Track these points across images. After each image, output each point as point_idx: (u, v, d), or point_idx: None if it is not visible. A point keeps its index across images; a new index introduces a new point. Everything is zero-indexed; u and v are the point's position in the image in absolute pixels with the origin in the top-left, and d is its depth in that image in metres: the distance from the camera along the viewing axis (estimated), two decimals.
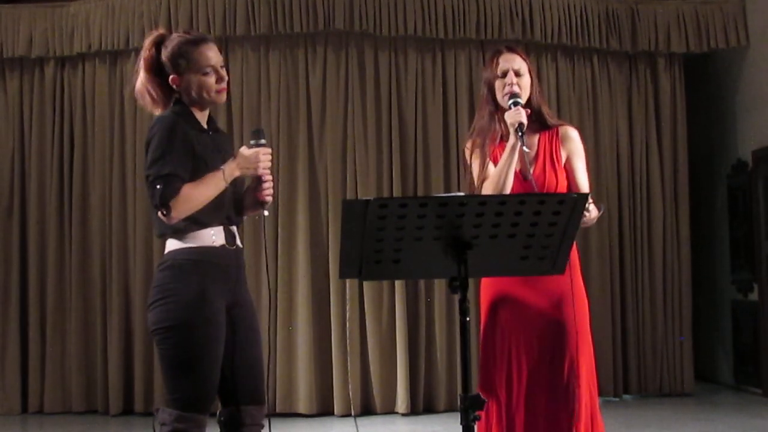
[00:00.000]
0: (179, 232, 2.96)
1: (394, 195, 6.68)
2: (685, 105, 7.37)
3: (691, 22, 7.22)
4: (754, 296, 7.16)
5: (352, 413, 6.37)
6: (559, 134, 3.42)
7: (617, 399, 7.03)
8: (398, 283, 6.64)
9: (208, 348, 2.92)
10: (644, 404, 6.92)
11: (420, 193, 6.79)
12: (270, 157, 3.05)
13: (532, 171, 3.33)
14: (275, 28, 6.72)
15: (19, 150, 7.08)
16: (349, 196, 6.69)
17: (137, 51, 6.79)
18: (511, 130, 3.24)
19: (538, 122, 3.44)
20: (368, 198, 2.44)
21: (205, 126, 3.10)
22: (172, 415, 2.91)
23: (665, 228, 7.24)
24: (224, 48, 6.86)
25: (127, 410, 6.79)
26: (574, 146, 3.42)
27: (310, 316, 6.66)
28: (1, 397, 6.90)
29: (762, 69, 7.13)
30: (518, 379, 3.27)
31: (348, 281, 6.54)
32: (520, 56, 3.41)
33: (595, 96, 7.23)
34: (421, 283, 6.75)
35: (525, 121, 3.24)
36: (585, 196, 2.59)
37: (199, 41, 3.05)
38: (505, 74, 3.38)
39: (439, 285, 6.69)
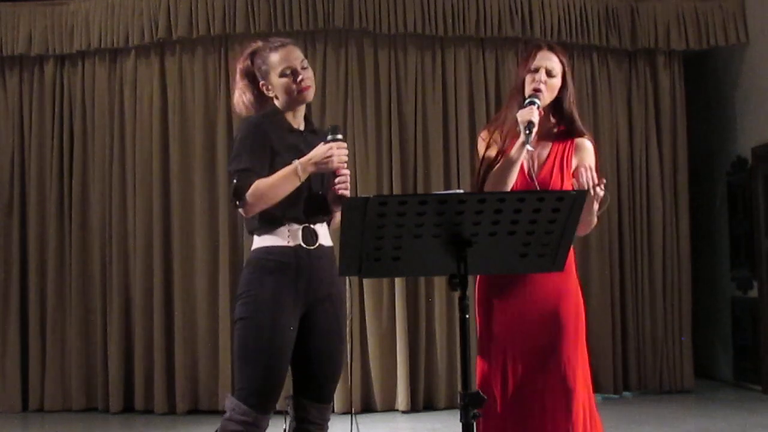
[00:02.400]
0: (257, 230, 3.07)
1: (394, 192, 6.68)
2: (684, 102, 7.38)
3: (691, 20, 7.23)
4: (753, 293, 7.17)
5: (352, 411, 6.37)
6: (575, 143, 3.40)
7: (617, 396, 7.04)
8: (398, 281, 6.64)
9: (271, 345, 3.00)
10: (644, 401, 6.93)
11: (420, 190, 6.80)
12: (346, 151, 3.09)
13: (538, 172, 3.32)
14: (275, 26, 6.72)
15: (19, 148, 7.08)
16: (349, 193, 6.68)
17: (137, 49, 6.91)
18: (521, 128, 3.23)
19: (561, 127, 3.41)
20: (368, 195, 2.45)
21: (300, 127, 3.18)
22: (233, 404, 3.02)
23: (665, 225, 7.24)
24: (224, 46, 6.87)
25: (128, 408, 6.79)
26: (585, 156, 3.38)
27: None
28: (2, 394, 6.91)
29: (761, 66, 7.13)
30: (514, 379, 3.27)
31: (348, 279, 6.52)
32: (558, 57, 3.35)
33: (595, 93, 7.23)
34: (421, 280, 6.76)
35: (535, 120, 3.19)
36: (584, 193, 2.59)
37: (279, 46, 3.18)
38: (537, 70, 3.33)
39: (439, 282, 6.69)
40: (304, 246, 3.06)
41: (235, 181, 2.98)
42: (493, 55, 7.02)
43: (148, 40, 6.83)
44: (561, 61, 3.36)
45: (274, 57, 3.14)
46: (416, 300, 6.79)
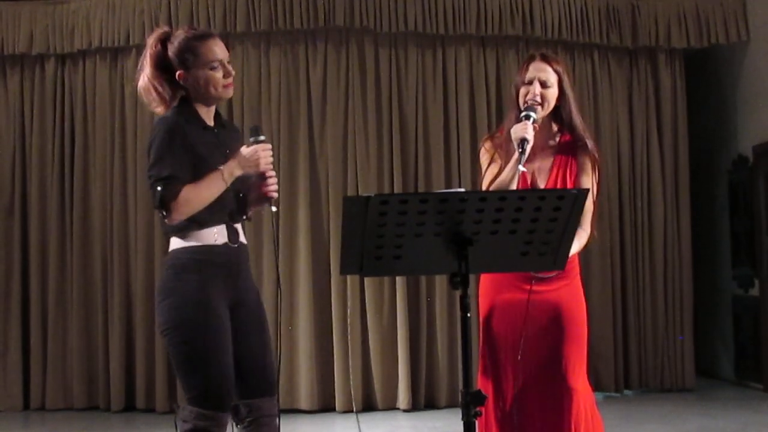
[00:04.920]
0: (181, 231, 2.98)
1: (395, 191, 6.68)
2: (685, 100, 7.37)
3: (692, 18, 7.22)
4: (754, 291, 7.16)
5: (354, 409, 6.37)
6: (577, 152, 3.37)
7: (618, 394, 7.04)
8: (399, 279, 6.64)
9: (213, 343, 2.93)
10: (645, 399, 6.93)
11: (421, 189, 6.80)
12: (271, 152, 3.04)
13: (544, 185, 3.30)
14: (275, 24, 6.72)
15: (20, 147, 7.08)
16: (350, 192, 6.69)
17: (138, 48, 6.88)
18: (515, 145, 3.19)
19: (565, 137, 3.38)
20: (369, 194, 2.44)
21: (211, 123, 3.10)
22: (192, 413, 2.95)
23: (666, 223, 7.24)
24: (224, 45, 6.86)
25: (129, 407, 6.80)
26: (587, 164, 3.36)
27: (311, 312, 6.67)
28: (3, 393, 6.91)
29: (762, 64, 7.13)
30: (516, 378, 3.28)
31: (349, 277, 6.54)
32: (553, 66, 3.31)
33: (596, 92, 7.23)
34: (422, 279, 6.76)
35: (529, 137, 3.13)
36: (585, 192, 2.58)
37: (205, 36, 3.06)
38: (530, 82, 3.30)
39: (440, 281, 6.69)
40: (230, 244, 3.04)
41: (159, 189, 2.86)
42: (494, 54, 7.01)
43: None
44: (556, 71, 3.31)
45: (203, 47, 3.01)
46: (417, 299, 6.79)
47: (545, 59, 3.34)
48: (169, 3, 6.77)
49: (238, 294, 3.06)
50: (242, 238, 3.11)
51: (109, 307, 6.83)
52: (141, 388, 6.76)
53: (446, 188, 6.49)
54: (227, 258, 3.03)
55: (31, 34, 6.98)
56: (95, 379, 6.89)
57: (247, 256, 3.17)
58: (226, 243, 3.03)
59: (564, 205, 2.52)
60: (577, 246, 3.14)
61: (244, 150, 3.02)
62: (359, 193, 6.64)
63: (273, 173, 3.07)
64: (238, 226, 3.11)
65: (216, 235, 3.01)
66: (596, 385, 3.49)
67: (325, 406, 6.65)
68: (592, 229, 3.29)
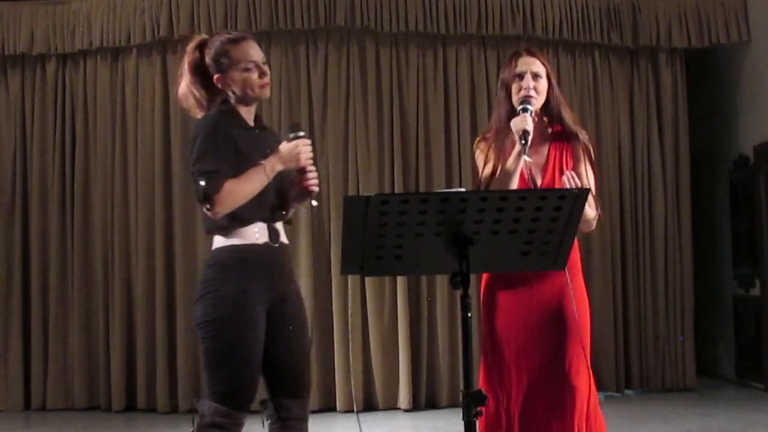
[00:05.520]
0: (224, 230, 3.03)
1: (396, 191, 6.69)
2: (686, 100, 7.37)
3: (693, 17, 7.22)
4: (755, 291, 7.16)
5: (355, 409, 6.37)
6: (570, 141, 3.40)
7: (619, 394, 7.04)
8: (400, 279, 6.65)
9: (243, 343, 2.96)
10: (646, 399, 6.93)
11: (421, 188, 6.80)
12: (310, 148, 3.08)
13: (540, 180, 3.32)
14: (276, 24, 6.72)
15: (21, 147, 7.08)
16: (351, 191, 6.69)
17: (138, 48, 6.91)
18: (516, 137, 3.22)
19: (554, 127, 3.41)
20: (370, 194, 2.44)
21: (252, 124, 3.15)
22: (212, 408, 2.97)
23: (667, 223, 7.24)
24: None
25: (130, 407, 6.80)
26: (579, 152, 3.39)
27: (312, 312, 6.66)
28: (4, 393, 6.92)
29: (763, 64, 7.13)
30: (518, 377, 3.28)
31: (350, 277, 6.54)
32: (540, 60, 3.36)
33: (597, 91, 7.23)
34: (423, 278, 6.76)
35: (530, 129, 3.19)
36: (586, 192, 2.58)
37: (239, 39, 3.12)
38: (522, 76, 3.33)
39: (441, 280, 6.69)
40: (271, 244, 3.07)
41: (203, 183, 2.92)
42: (494, 54, 7.01)
43: (149, 39, 6.83)
44: (543, 63, 3.37)
45: (238, 51, 3.07)
46: (418, 298, 6.79)
47: (532, 54, 3.40)
48: (170, 3, 6.77)
49: (278, 294, 3.08)
50: (283, 238, 3.14)
51: (110, 306, 6.84)
52: (142, 388, 6.76)
53: (447, 188, 6.49)
54: (268, 258, 3.06)
55: (32, 34, 6.98)
56: (96, 379, 6.90)
57: (289, 256, 3.19)
58: (266, 243, 3.06)
59: (565, 205, 2.51)
60: (590, 212, 3.21)
61: (285, 145, 3.06)
62: (360, 192, 6.64)
63: (313, 168, 3.10)
64: (279, 226, 3.14)
65: (257, 234, 3.04)
66: (597, 384, 3.48)
67: (326, 405, 6.65)
68: (597, 208, 3.33)
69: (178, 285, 6.75)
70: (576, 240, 2.91)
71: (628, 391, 7.14)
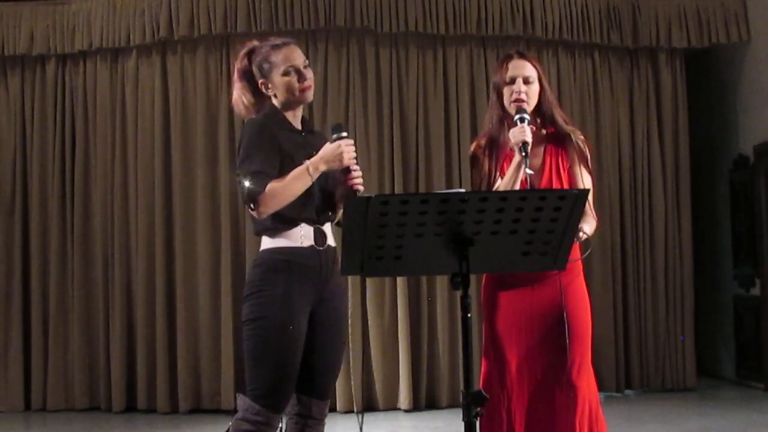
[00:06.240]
0: (271, 231, 3.08)
1: (396, 191, 6.68)
2: (686, 100, 7.37)
3: (692, 17, 7.22)
4: (756, 291, 7.16)
5: (355, 410, 6.37)
6: (565, 143, 3.39)
7: (619, 394, 7.04)
8: (400, 280, 6.65)
9: (284, 344, 3.00)
10: (646, 399, 6.93)
11: (421, 189, 6.80)
12: (353, 147, 3.11)
13: (537, 183, 3.32)
14: (276, 25, 6.72)
15: (21, 148, 7.08)
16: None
17: (138, 48, 6.90)
18: (515, 149, 3.21)
19: (548, 129, 3.40)
20: (370, 195, 2.44)
21: (299, 127, 3.20)
22: (245, 404, 3.02)
23: (667, 223, 7.24)
24: (225, 45, 6.87)
25: (130, 407, 6.80)
26: (575, 153, 3.38)
27: None
28: (4, 394, 6.91)
29: (763, 64, 7.13)
30: (519, 377, 3.28)
31: (350, 278, 6.54)
32: (531, 63, 3.36)
33: (597, 91, 7.23)
34: (423, 279, 6.76)
35: (529, 140, 3.18)
36: (586, 192, 2.59)
37: (281, 45, 3.18)
38: (513, 81, 3.33)
39: (441, 281, 6.69)
40: (316, 247, 3.09)
41: (248, 183, 2.97)
42: (494, 54, 7.00)
43: (149, 40, 6.83)
44: (534, 66, 3.37)
45: (278, 55, 3.14)
46: (418, 299, 6.79)
47: (523, 57, 3.40)
48: (170, 3, 6.77)
49: (322, 296, 3.12)
50: (330, 241, 3.16)
51: (110, 307, 6.84)
52: (142, 388, 6.76)
53: (447, 188, 6.50)
54: (313, 261, 3.08)
55: (32, 34, 6.98)
56: (96, 380, 6.89)
57: (336, 258, 3.20)
58: (312, 246, 3.08)
59: (565, 205, 2.52)
60: (588, 229, 3.21)
61: (328, 146, 3.09)
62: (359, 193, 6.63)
63: (357, 167, 3.12)
64: (326, 228, 3.16)
65: (302, 237, 3.07)
66: (597, 384, 3.48)
67: None
68: (595, 213, 3.33)
69: (178, 285, 6.75)
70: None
71: (628, 391, 7.14)
